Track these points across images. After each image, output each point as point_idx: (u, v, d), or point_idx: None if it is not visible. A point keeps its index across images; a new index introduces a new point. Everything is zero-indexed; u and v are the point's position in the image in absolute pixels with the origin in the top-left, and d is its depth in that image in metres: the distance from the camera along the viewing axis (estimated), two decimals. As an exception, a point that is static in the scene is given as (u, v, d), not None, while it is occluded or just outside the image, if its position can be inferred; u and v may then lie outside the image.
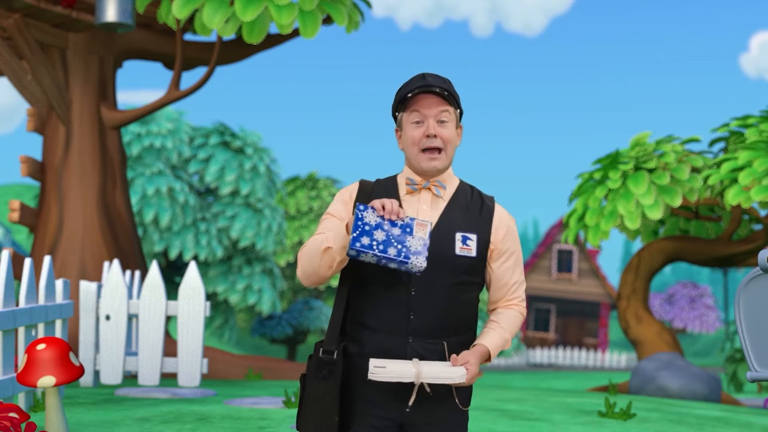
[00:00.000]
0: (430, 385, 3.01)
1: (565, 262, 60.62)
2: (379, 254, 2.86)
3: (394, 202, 2.89)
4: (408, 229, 2.90)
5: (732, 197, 13.06)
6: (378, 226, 2.89)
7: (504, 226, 3.10)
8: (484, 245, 3.05)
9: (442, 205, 3.07)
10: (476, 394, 10.21)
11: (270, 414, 7.25)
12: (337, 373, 2.95)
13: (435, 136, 3.02)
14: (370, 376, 2.84)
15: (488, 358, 3.02)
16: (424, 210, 3.06)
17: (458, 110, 3.09)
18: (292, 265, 41.33)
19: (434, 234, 3.02)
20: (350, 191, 3.12)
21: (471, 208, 3.09)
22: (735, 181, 13.31)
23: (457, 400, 3.05)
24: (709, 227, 16.36)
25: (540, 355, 56.30)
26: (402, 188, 3.10)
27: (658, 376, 14.08)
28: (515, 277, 3.13)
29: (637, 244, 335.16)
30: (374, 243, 2.86)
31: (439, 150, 3.04)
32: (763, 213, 14.87)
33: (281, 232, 26.27)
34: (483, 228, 3.06)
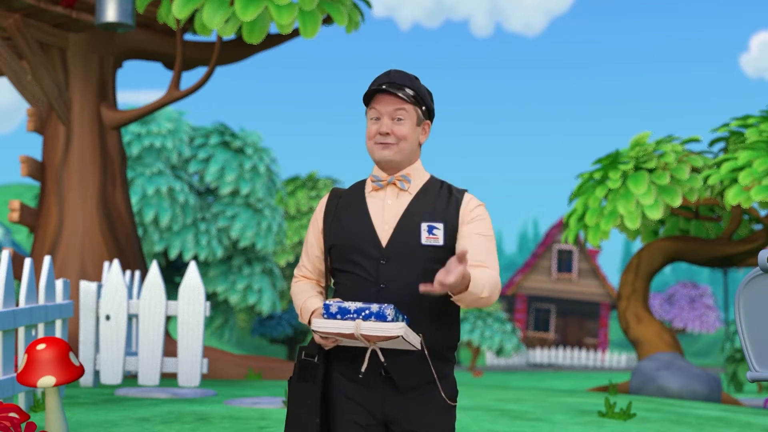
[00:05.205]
0: (406, 374, 3.02)
1: (565, 262, 60.60)
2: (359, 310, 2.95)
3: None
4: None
5: (732, 197, 13.05)
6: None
7: (470, 210, 3.09)
8: (451, 232, 3.06)
9: (408, 198, 3.10)
10: (476, 394, 10.21)
11: (270, 414, 7.25)
12: (319, 375, 3.03)
13: (387, 133, 3.06)
14: (313, 327, 2.92)
15: (466, 287, 2.89)
16: (389, 204, 3.09)
17: (422, 107, 3.10)
18: (292, 265, 41.35)
19: (400, 226, 3.05)
20: (322, 205, 3.20)
21: (438, 200, 3.10)
22: (735, 181, 13.31)
23: (443, 395, 3.06)
24: (709, 227, 16.35)
25: (540, 355, 56.27)
26: (369, 187, 3.15)
27: (658, 376, 14.07)
28: (485, 252, 3.05)
29: (637, 244, 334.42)
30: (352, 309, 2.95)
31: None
32: (763, 213, 14.87)
33: (281, 232, 26.26)
34: (450, 216, 3.07)
